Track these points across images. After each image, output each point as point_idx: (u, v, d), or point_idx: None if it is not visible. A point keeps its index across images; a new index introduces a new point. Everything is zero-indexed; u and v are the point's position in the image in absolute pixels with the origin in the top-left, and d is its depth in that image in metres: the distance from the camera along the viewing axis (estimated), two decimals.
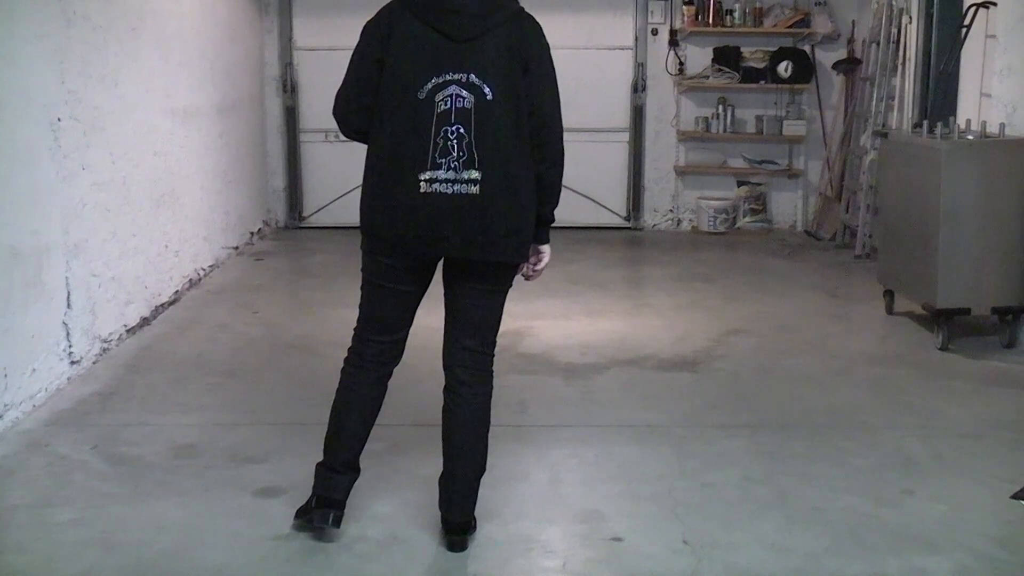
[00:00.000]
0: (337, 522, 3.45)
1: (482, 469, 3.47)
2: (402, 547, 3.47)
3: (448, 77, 3.10)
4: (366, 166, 3.26)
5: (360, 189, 3.33)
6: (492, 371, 3.45)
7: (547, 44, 3.25)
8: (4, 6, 4.55)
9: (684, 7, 9.16)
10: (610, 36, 9.34)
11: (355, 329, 3.49)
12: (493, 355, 3.44)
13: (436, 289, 3.44)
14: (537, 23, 3.26)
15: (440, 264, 3.36)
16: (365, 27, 3.25)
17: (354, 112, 3.24)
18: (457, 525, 3.44)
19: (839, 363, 5.49)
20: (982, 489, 3.90)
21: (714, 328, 6.15)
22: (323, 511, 3.44)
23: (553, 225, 3.42)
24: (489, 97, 3.10)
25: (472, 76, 3.10)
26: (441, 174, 3.11)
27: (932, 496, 3.85)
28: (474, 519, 3.52)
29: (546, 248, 3.40)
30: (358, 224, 3.34)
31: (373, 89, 3.18)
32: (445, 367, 3.44)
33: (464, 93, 3.09)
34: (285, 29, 9.23)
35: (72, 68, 5.17)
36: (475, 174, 3.11)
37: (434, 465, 4.04)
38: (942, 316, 5.67)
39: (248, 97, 8.63)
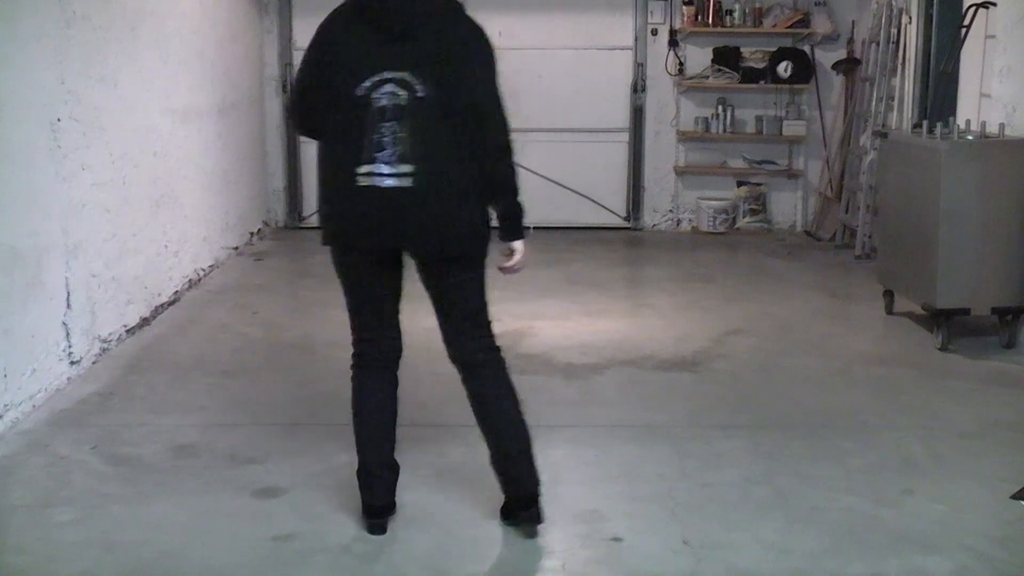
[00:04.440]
0: (381, 529, 3.52)
1: (529, 437, 3.51)
2: (402, 547, 3.47)
3: (385, 75, 3.21)
4: (318, 163, 3.41)
5: None
6: (497, 347, 3.48)
7: (487, 42, 3.31)
8: (4, 6, 4.55)
9: (684, 7, 9.16)
10: (610, 36, 9.34)
11: (352, 331, 3.54)
12: (491, 335, 3.47)
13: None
14: (476, 22, 3.33)
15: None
16: (316, 32, 3.37)
17: (301, 112, 3.42)
18: (530, 496, 3.48)
19: (839, 363, 5.49)
20: (982, 489, 3.90)
21: (714, 328, 6.15)
22: (368, 521, 3.53)
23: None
24: (421, 94, 3.19)
25: (407, 74, 3.19)
26: (377, 168, 3.22)
27: (932, 496, 3.84)
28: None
29: (518, 244, 3.41)
30: None
31: (316, 89, 3.31)
32: (451, 360, 3.49)
33: (399, 91, 3.19)
34: (285, 29, 9.23)
35: (72, 68, 5.17)
36: (409, 168, 3.20)
37: (434, 465, 4.05)
38: (942, 316, 5.67)
39: (248, 97, 8.62)
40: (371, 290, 3.45)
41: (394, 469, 3.57)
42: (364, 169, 3.21)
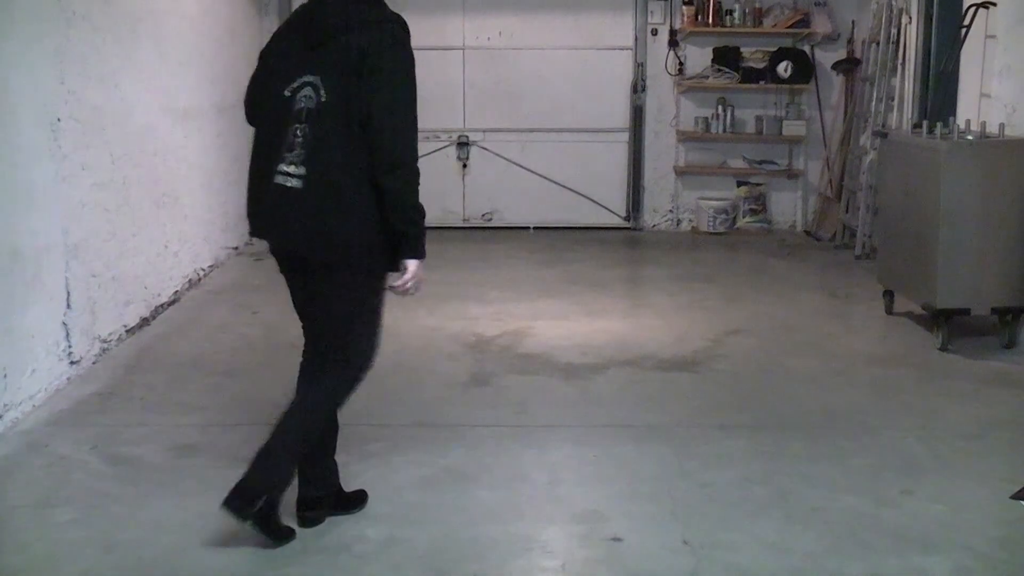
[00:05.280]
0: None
1: (292, 447, 3.47)
2: (402, 547, 3.46)
3: (303, 79, 3.31)
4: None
5: None
6: (343, 363, 3.45)
7: (400, 52, 3.29)
8: (4, 6, 4.54)
9: (684, 7, 9.16)
10: (610, 36, 9.34)
11: None
12: (343, 355, 3.44)
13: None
14: (393, 30, 3.30)
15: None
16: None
17: (247, 106, 3.55)
18: (252, 493, 3.36)
19: (839, 363, 5.49)
20: (982, 489, 3.90)
21: (714, 328, 6.15)
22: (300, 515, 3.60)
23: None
24: (324, 99, 3.27)
25: (317, 79, 3.30)
26: (282, 167, 3.32)
27: (932, 496, 3.84)
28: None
29: (412, 263, 3.35)
30: None
31: (256, 89, 3.50)
32: (302, 358, 3.63)
33: (311, 94, 3.30)
34: None
35: (72, 68, 5.17)
36: (302, 170, 3.28)
37: (434, 465, 4.05)
38: (942, 316, 5.67)
39: None
40: (291, 292, 3.57)
41: (327, 466, 3.62)
42: (279, 167, 3.32)
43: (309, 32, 3.36)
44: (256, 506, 3.33)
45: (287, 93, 3.32)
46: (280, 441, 3.43)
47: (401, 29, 3.33)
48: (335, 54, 3.27)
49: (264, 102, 3.42)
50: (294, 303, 3.58)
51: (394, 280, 3.38)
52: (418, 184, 3.30)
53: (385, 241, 3.31)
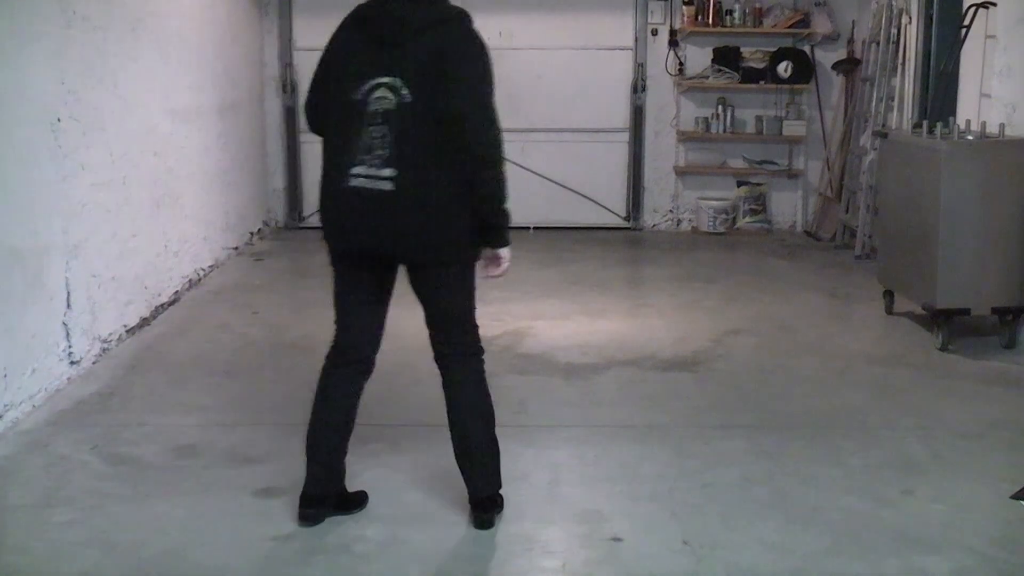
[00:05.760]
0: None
1: (494, 442, 3.59)
2: (402, 547, 3.47)
3: (378, 80, 3.28)
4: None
5: None
6: (478, 351, 3.57)
7: (479, 52, 3.34)
8: (4, 6, 4.54)
9: (684, 7, 9.16)
10: (610, 36, 9.34)
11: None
12: (474, 340, 3.56)
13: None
14: (468, 28, 3.36)
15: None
16: (332, 35, 3.50)
17: (309, 111, 3.53)
18: (487, 499, 3.57)
19: (839, 363, 5.49)
20: (982, 489, 3.90)
21: (714, 328, 6.15)
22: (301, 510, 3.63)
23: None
24: (408, 100, 3.25)
25: (396, 79, 3.27)
26: (363, 170, 3.29)
27: (932, 496, 3.85)
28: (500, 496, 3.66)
29: (503, 252, 3.47)
30: None
31: (322, 91, 3.45)
32: (435, 360, 3.60)
33: (389, 95, 3.27)
34: (285, 29, 9.23)
35: (72, 68, 5.17)
36: (390, 172, 3.26)
37: (434, 465, 4.05)
38: (942, 316, 5.67)
39: (248, 97, 8.62)
40: (354, 293, 3.53)
41: (336, 467, 3.62)
42: (354, 171, 3.30)
43: (380, 33, 3.32)
44: (498, 506, 3.60)
45: (358, 96, 3.29)
46: (478, 445, 3.53)
47: (471, 23, 3.37)
48: (413, 54, 3.26)
49: (332, 107, 3.37)
50: (349, 303, 3.55)
51: (488, 267, 3.51)
52: (506, 178, 3.38)
53: (475, 232, 3.40)
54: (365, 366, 3.58)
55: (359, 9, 3.42)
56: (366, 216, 3.31)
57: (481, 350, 3.59)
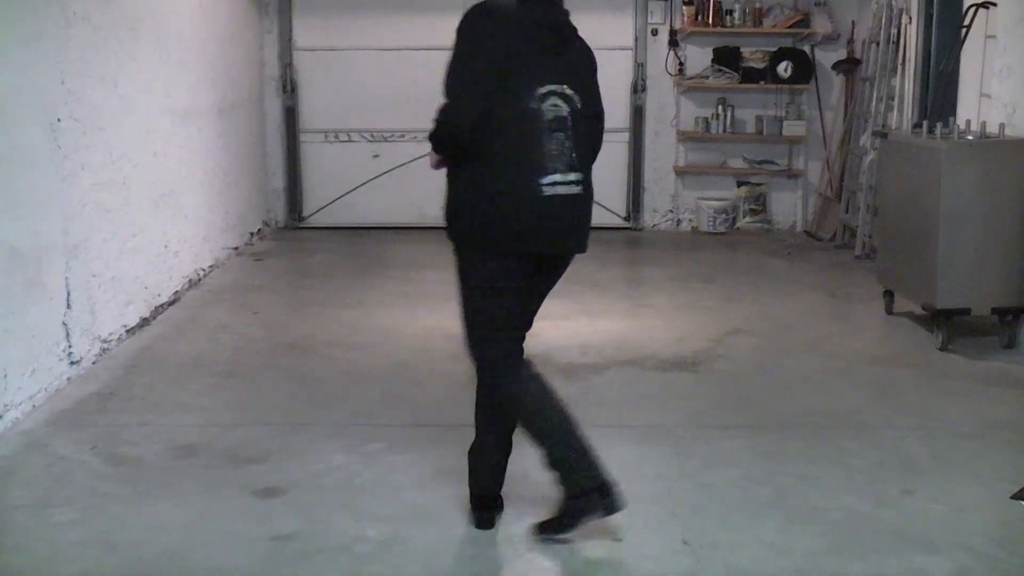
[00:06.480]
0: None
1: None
2: (402, 547, 3.47)
3: (548, 88, 3.35)
4: (476, 175, 3.33)
5: (462, 196, 3.39)
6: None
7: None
8: (4, 6, 4.54)
9: (684, 7, 9.16)
10: (610, 36, 9.33)
11: (483, 339, 3.57)
12: None
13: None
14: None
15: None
16: (476, 38, 3.32)
17: (475, 119, 3.27)
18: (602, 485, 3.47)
19: (839, 363, 5.49)
20: (982, 489, 3.90)
21: (714, 328, 6.15)
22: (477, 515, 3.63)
23: None
24: (579, 106, 3.41)
25: (565, 87, 3.38)
26: (557, 178, 3.36)
27: (932, 496, 3.84)
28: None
29: None
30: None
31: (492, 99, 3.28)
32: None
33: (561, 103, 3.37)
34: (285, 29, 9.22)
35: (72, 68, 5.17)
36: (576, 176, 3.41)
37: (434, 465, 4.05)
38: (942, 316, 5.67)
39: (248, 97, 8.63)
40: (523, 293, 3.54)
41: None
42: (547, 179, 3.33)
43: (549, 38, 3.38)
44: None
45: (533, 105, 3.31)
46: (578, 434, 3.52)
47: None
48: (577, 60, 3.44)
49: (507, 115, 3.29)
50: (514, 305, 3.52)
51: None
52: None
53: None
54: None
55: (514, 13, 3.33)
56: (566, 220, 3.42)
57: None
